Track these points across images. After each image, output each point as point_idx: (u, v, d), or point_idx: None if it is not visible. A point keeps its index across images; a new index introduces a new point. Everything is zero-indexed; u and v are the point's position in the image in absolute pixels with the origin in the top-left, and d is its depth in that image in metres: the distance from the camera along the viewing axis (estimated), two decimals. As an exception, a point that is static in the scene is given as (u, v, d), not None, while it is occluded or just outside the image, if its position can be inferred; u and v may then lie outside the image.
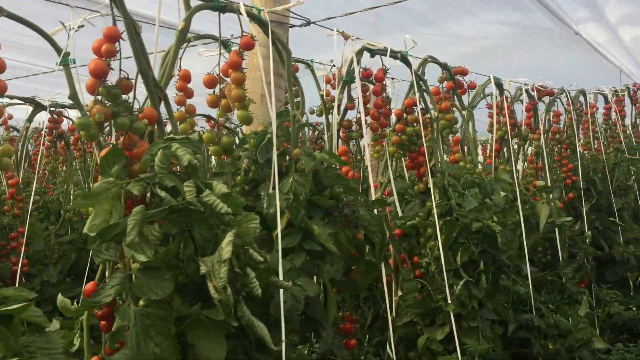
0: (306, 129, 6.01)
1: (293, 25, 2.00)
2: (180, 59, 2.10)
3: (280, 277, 1.55)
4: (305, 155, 1.70)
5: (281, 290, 1.51)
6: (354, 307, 2.97)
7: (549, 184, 3.76)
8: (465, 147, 3.22)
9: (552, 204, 3.29)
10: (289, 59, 1.81)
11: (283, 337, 1.51)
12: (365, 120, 2.13)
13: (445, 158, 3.22)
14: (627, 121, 5.88)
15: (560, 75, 5.84)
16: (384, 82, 2.30)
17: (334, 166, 1.97)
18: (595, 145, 4.95)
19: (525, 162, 3.89)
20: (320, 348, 1.90)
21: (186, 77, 2.05)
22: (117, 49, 1.33)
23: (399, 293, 2.57)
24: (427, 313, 2.44)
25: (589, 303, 3.72)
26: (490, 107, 3.36)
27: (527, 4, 4.65)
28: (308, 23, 2.00)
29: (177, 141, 1.29)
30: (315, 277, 1.86)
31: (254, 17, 1.72)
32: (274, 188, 1.63)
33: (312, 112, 2.97)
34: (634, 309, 4.04)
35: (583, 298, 2.93)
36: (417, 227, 2.57)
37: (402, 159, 2.64)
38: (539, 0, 4.34)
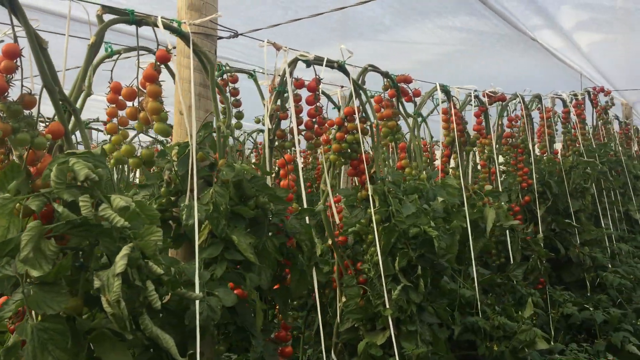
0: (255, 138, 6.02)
1: (221, 37, 2.02)
2: (111, 70, 2.12)
3: (197, 288, 1.56)
4: (226, 166, 1.71)
5: (197, 301, 1.52)
6: (306, 314, 2.99)
7: (500, 188, 3.82)
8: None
9: (500, 207, 3.34)
10: (213, 71, 1.82)
11: (198, 348, 1.52)
12: (298, 130, 2.15)
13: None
14: (589, 123, 6.01)
15: (522, 81, 5.93)
16: (317, 92, 2.33)
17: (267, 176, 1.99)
18: (554, 149, 5.05)
19: (478, 166, 3.95)
20: (251, 357, 1.91)
21: (117, 89, 2.06)
22: (18, 65, 1.34)
23: (343, 299, 2.60)
24: (368, 318, 2.46)
25: (542, 304, 3.79)
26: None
27: (482, 11, 4.73)
28: (236, 35, 2.03)
29: (78, 155, 1.30)
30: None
31: (173, 30, 1.73)
32: (192, 199, 1.64)
33: (257, 122, 3.00)
34: (591, 309, 4.11)
35: (528, 299, 2.98)
36: (360, 233, 2.61)
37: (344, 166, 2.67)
38: (491, 7, 4.42)
